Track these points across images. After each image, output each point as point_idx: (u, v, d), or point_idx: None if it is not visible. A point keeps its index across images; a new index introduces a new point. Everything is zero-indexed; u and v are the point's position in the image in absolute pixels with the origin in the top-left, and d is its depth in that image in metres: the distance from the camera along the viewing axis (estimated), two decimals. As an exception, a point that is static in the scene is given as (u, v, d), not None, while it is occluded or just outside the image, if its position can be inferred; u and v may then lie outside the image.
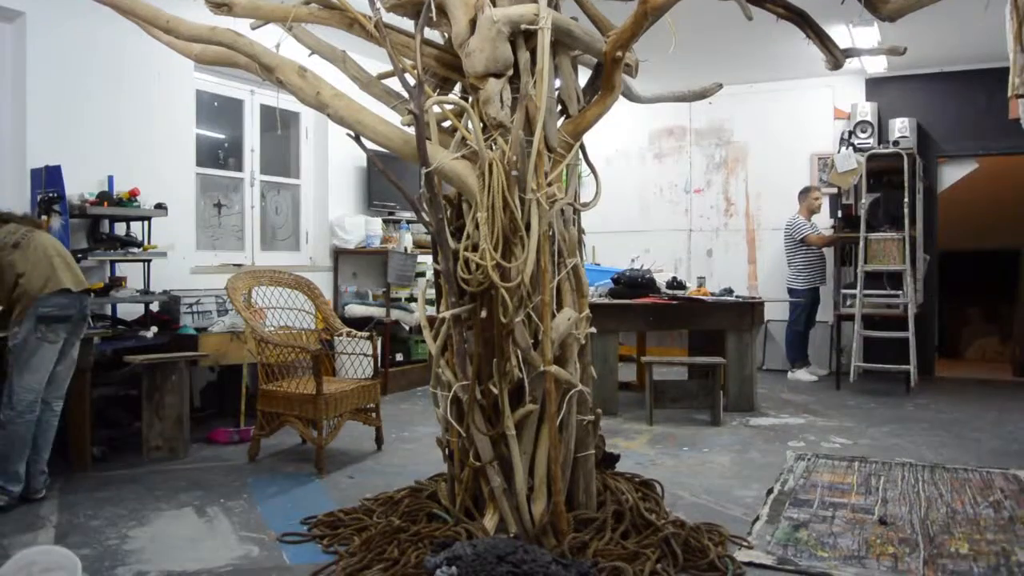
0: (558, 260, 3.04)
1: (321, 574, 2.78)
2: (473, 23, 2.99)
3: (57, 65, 4.68)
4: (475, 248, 2.90)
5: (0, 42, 4.56)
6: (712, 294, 6.05)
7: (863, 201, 6.96)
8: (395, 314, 6.47)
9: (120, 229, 4.91)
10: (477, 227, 2.88)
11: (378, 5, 3.10)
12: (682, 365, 6.29)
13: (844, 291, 7.11)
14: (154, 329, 4.77)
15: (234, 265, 5.91)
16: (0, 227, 3.72)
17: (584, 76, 3.36)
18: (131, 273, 4.89)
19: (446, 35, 3.23)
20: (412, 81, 3.01)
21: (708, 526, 3.14)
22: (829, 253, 7.47)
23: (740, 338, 5.71)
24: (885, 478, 3.99)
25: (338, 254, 6.70)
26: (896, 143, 7.08)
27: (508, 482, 2.92)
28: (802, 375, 7.30)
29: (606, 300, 5.75)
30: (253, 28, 3.49)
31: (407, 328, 6.75)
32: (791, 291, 7.36)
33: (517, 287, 2.83)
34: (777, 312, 7.72)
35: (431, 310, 3.35)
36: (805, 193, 7.47)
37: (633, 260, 6.73)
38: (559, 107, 3.19)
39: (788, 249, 7.40)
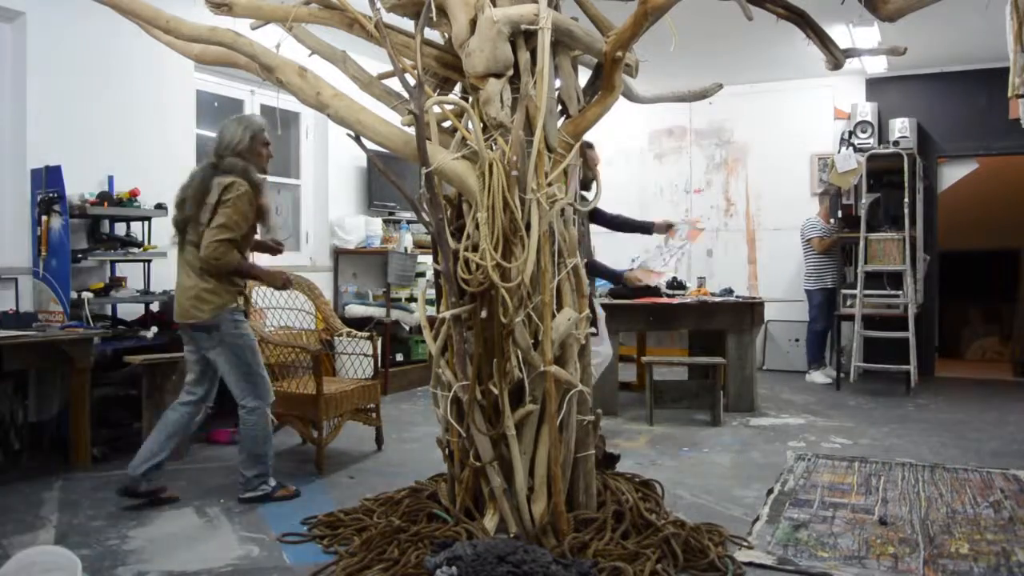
0: (558, 260, 3.04)
1: (321, 574, 2.78)
2: (473, 23, 2.99)
3: (57, 65, 4.68)
4: (475, 248, 2.90)
5: (0, 42, 4.57)
6: (712, 294, 6.05)
7: (863, 201, 6.97)
8: (395, 314, 6.47)
9: (120, 229, 4.92)
10: (477, 227, 2.88)
11: (378, 5, 3.10)
12: (682, 365, 6.30)
13: (844, 291, 7.11)
14: (154, 329, 4.77)
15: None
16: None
17: (584, 76, 3.36)
18: (131, 273, 4.90)
19: (446, 35, 3.23)
20: (412, 81, 3.01)
21: (708, 526, 3.14)
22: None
23: (740, 338, 5.71)
24: (885, 478, 3.99)
25: (338, 254, 6.70)
26: (896, 143, 7.09)
27: (508, 482, 2.92)
28: (818, 377, 7.23)
29: (606, 300, 5.76)
30: (253, 28, 3.49)
31: (407, 328, 6.75)
32: (806, 291, 7.36)
33: (517, 287, 2.83)
34: (777, 312, 7.72)
35: (431, 310, 3.35)
36: (826, 195, 7.52)
37: (633, 260, 6.73)
38: (559, 107, 3.19)
39: (803, 249, 7.40)
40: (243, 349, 3.59)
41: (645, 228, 5.33)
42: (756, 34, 5.68)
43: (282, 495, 3.66)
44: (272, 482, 3.69)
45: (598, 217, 5.11)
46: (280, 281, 3.81)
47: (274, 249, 3.99)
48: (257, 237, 3.89)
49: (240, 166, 3.56)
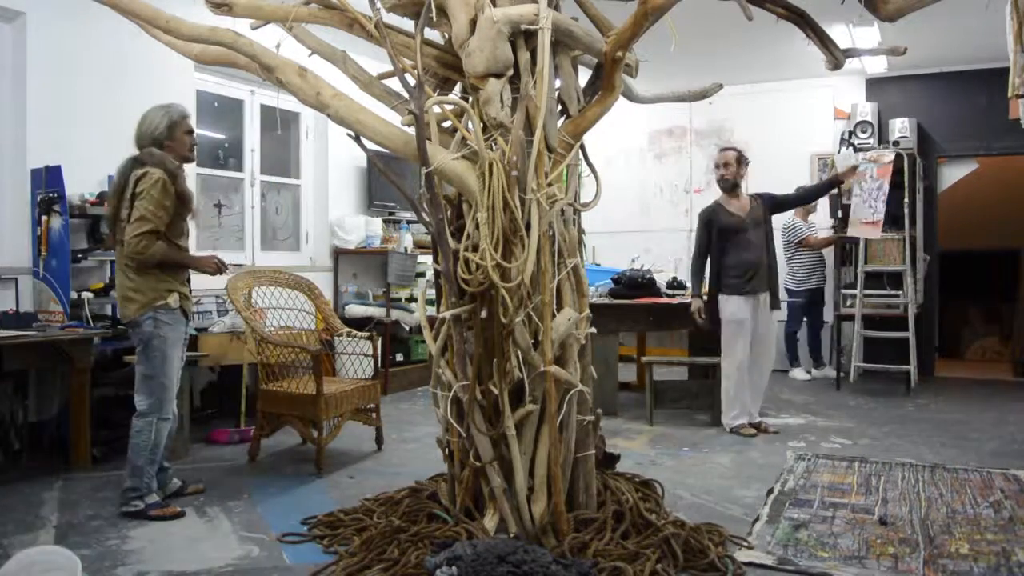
0: (558, 260, 3.04)
1: (321, 574, 2.77)
2: (473, 23, 2.99)
3: (57, 65, 4.68)
4: (475, 248, 2.90)
5: (0, 42, 4.57)
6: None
7: (863, 201, 6.95)
8: (395, 314, 6.48)
9: (120, 229, 4.91)
10: (477, 227, 2.88)
11: (378, 5, 3.10)
12: (682, 365, 6.28)
13: (844, 291, 7.11)
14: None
15: (234, 265, 5.90)
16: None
17: (584, 76, 3.36)
18: (131, 273, 4.89)
19: (446, 35, 3.23)
20: (412, 81, 3.01)
21: (708, 526, 3.14)
22: (829, 253, 7.47)
23: (740, 338, 5.68)
24: (885, 478, 3.99)
25: (338, 254, 6.70)
26: (896, 143, 7.09)
27: (508, 482, 2.92)
28: (798, 373, 7.40)
29: (606, 300, 5.75)
30: (253, 28, 3.49)
31: (407, 328, 6.75)
32: (788, 291, 7.36)
33: (517, 287, 2.83)
34: (777, 312, 7.70)
35: (431, 310, 3.35)
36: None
37: (633, 260, 6.73)
38: (559, 107, 3.19)
39: (786, 251, 7.40)
40: (154, 351, 3.50)
41: (833, 184, 5.47)
42: (756, 34, 5.68)
43: (159, 515, 3.41)
44: (150, 499, 3.47)
45: (786, 204, 5.50)
46: (212, 267, 3.68)
47: (217, 268, 3.72)
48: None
49: (156, 155, 3.52)
